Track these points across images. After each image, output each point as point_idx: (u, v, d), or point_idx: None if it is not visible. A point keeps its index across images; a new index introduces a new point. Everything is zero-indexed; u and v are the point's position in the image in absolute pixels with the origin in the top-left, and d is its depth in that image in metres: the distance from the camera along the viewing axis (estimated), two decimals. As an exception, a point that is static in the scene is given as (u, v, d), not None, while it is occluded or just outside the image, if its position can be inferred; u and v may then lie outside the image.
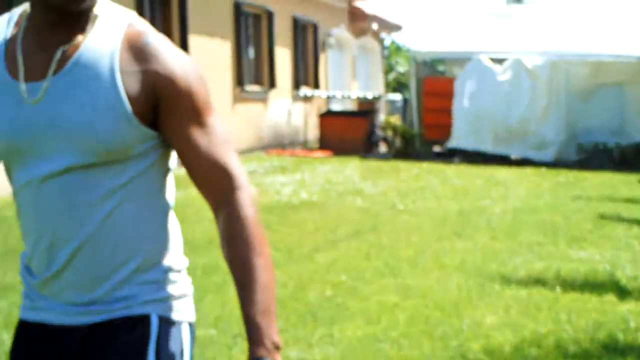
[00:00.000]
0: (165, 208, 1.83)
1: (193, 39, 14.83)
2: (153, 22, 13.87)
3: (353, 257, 7.41)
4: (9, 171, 1.78)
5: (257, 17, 18.09)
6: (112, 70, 1.65)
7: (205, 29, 15.44)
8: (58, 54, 1.66)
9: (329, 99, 20.76)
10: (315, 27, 21.01)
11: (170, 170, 1.83)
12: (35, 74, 1.66)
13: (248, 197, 1.71)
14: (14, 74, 1.67)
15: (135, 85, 1.66)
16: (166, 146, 1.76)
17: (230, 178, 1.71)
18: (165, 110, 1.69)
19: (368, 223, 9.03)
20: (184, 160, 1.73)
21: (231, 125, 16.35)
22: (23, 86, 1.66)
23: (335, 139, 17.62)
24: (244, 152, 16.90)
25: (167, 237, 1.82)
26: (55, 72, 1.66)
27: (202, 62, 14.97)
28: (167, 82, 1.68)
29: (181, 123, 1.69)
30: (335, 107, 21.15)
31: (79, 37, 1.68)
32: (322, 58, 21.53)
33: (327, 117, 18.43)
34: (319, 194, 11.13)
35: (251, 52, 17.88)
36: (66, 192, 1.67)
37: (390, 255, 7.40)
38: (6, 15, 1.75)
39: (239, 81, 16.70)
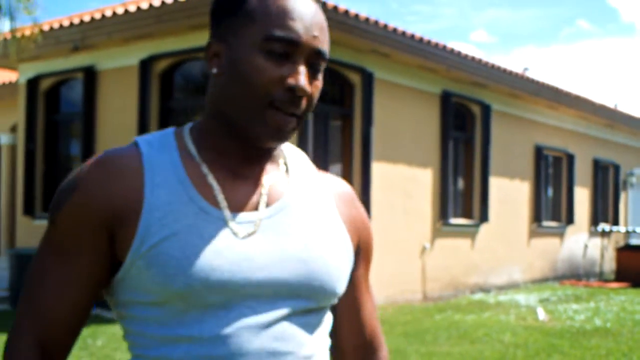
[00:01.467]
0: None
1: (493, 179, 15.03)
2: (456, 161, 14.28)
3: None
4: (170, 316, 1.31)
5: (557, 160, 17.97)
6: (333, 212, 1.45)
7: (506, 169, 15.59)
8: (266, 187, 1.39)
9: (628, 233, 19.88)
10: (616, 168, 20.46)
11: None
12: (238, 204, 1.35)
13: (387, 356, 1.60)
14: (211, 202, 1.34)
15: (350, 229, 1.46)
16: None
17: (380, 336, 1.59)
18: (356, 260, 1.50)
19: (665, 351, 8.41)
20: (344, 310, 1.52)
21: (526, 257, 16.19)
22: (230, 216, 1.33)
23: (633, 272, 16.76)
24: (537, 282, 16.57)
25: None
26: (267, 205, 1.38)
27: (501, 200, 15.10)
28: (365, 230, 1.51)
29: (361, 275, 1.52)
30: (634, 241, 20.26)
31: (276, 169, 1.44)
32: (622, 196, 20.82)
33: (626, 250, 17.62)
34: (613, 322, 10.55)
35: (550, 191, 17.71)
36: (278, 343, 1.32)
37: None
38: (150, 138, 1.42)
39: (537, 217, 16.55)
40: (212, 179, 1.35)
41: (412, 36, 11.92)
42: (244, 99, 1.32)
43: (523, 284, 15.99)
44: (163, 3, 10.24)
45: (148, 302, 1.31)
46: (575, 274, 18.12)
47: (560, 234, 17.74)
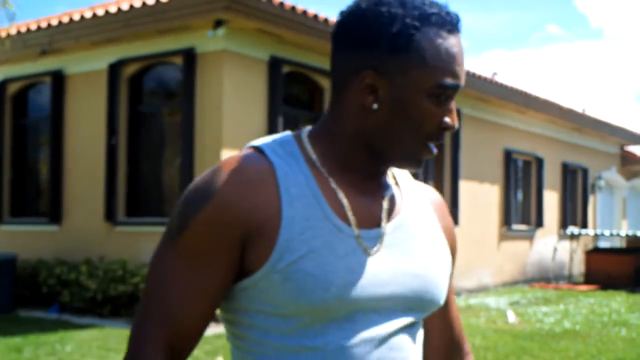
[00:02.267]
0: None
1: (463, 183, 15.14)
2: (426, 167, 14.35)
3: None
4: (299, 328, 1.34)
5: (526, 164, 18.13)
6: (437, 227, 1.51)
7: (476, 173, 15.71)
8: (385, 203, 1.43)
9: (596, 236, 20.10)
10: (584, 171, 20.66)
11: None
12: (363, 220, 1.39)
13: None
14: (342, 218, 1.36)
15: (446, 239, 1.53)
16: None
17: (465, 337, 1.67)
18: None
19: (633, 352, 8.48)
20: (436, 312, 1.57)
21: (496, 260, 16.31)
22: (360, 234, 1.37)
23: (602, 274, 16.95)
24: (507, 285, 16.69)
25: None
26: (387, 221, 1.42)
27: (471, 203, 15.21)
28: (454, 238, 1.57)
29: (451, 278, 1.58)
30: (603, 244, 20.51)
31: (389, 182, 1.48)
32: (591, 199, 21.03)
33: (594, 253, 17.82)
34: (581, 324, 10.66)
35: (519, 195, 17.87)
36: (394, 354, 1.38)
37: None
38: (272, 145, 1.41)
39: (506, 221, 16.69)
40: (342, 196, 1.38)
41: (382, 41, 11.94)
42: (407, 138, 1.36)
43: (493, 287, 16.10)
44: (131, 7, 10.20)
45: (274, 313, 1.33)
46: (544, 277, 18.27)
47: (530, 237, 17.89)
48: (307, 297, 1.29)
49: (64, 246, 11.47)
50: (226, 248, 1.31)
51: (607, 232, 18.95)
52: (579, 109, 19.18)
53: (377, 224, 1.40)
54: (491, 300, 13.63)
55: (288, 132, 1.45)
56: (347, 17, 1.38)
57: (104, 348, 7.92)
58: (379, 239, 1.38)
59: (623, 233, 19.27)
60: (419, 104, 1.33)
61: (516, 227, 17.28)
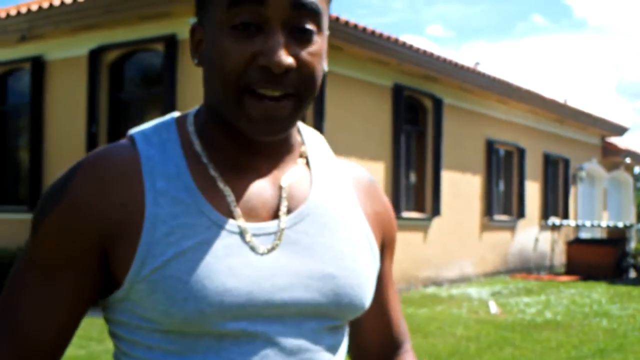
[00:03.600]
0: None
1: (445, 173, 15.13)
2: (408, 155, 14.33)
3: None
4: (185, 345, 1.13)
5: (508, 154, 18.15)
6: (357, 211, 1.27)
7: (458, 163, 15.71)
8: (285, 189, 1.20)
9: (577, 227, 20.20)
10: (566, 162, 20.73)
11: None
12: (255, 212, 1.17)
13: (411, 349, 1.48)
14: (224, 212, 1.15)
15: (374, 226, 1.29)
16: None
17: (405, 329, 1.46)
18: (380, 256, 1.34)
19: (614, 343, 8.53)
20: (370, 307, 1.34)
21: (478, 250, 16.34)
22: (247, 228, 1.15)
23: (583, 265, 17.07)
24: (489, 275, 16.75)
25: None
26: (288, 210, 1.19)
27: (453, 193, 15.22)
28: (390, 224, 1.35)
29: (386, 270, 1.38)
30: (584, 235, 20.62)
31: (294, 163, 1.25)
32: (572, 190, 21.12)
33: (575, 244, 17.94)
34: (563, 314, 10.70)
35: (501, 185, 17.90)
36: None
37: (636, 373, 6.95)
38: (148, 131, 1.23)
39: (488, 211, 16.71)
40: (222, 183, 1.16)
41: (364, 29, 11.93)
42: (220, 89, 1.13)
43: (475, 277, 16.14)
44: (113, -7, 10.11)
45: (153, 329, 1.13)
46: (526, 268, 18.34)
47: (512, 228, 17.94)
48: (179, 309, 1.08)
49: (44, 234, 11.36)
50: (82, 254, 1.13)
51: (588, 223, 19.06)
52: (560, 100, 19.24)
53: (274, 214, 1.18)
54: (473, 291, 13.66)
55: (172, 115, 1.25)
56: None
57: (85, 337, 7.85)
58: (275, 234, 1.16)
59: (604, 224, 19.40)
60: (218, 42, 1.12)
61: (498, 217, 17.32)
